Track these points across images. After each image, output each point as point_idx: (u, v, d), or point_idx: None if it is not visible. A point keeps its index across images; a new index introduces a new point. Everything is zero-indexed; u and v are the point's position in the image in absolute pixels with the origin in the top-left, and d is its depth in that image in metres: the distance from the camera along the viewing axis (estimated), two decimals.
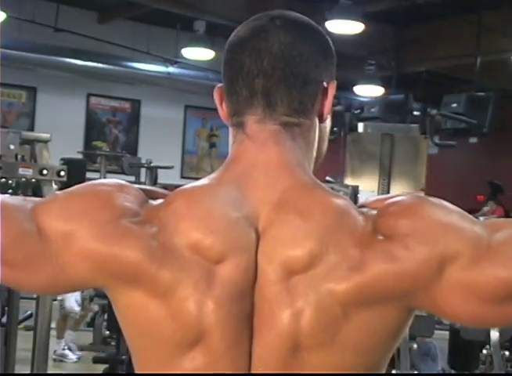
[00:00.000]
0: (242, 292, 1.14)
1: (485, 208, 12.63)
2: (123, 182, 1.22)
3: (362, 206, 1.19)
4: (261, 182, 1.18)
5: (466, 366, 4.79)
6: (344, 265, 1.10)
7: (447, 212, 1.15)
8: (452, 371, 5.14)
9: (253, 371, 1.15)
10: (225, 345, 1.13)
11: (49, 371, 4.69)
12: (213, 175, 1.22)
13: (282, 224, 1.14)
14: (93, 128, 13.36)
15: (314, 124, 1.26)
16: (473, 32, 9.82)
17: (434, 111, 6.54)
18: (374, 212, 1.15)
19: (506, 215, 12.87)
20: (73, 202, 1.20)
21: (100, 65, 11.44)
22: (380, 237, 1.12)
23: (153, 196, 1.22)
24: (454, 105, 7.70)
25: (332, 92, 1.26)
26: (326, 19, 8.59)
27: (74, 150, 9.83)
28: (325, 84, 1.25)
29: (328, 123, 1.31)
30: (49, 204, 1.21)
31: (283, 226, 1.14)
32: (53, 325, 5.54)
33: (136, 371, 1.23)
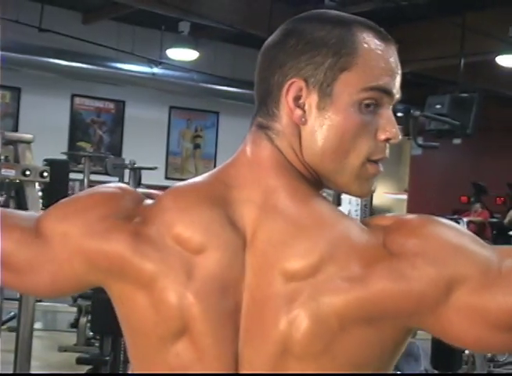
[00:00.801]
0: (225, 288, 1.14)
1: (472, 208, 12.72)
2: (123, 185, 1.28)
3: (365, 223, 1.16)
4: (248, 181, 1.19)
5: (448, 366, 4.80)
6: (344, 278, 1.10)
7: (458, 234, 1.12)
8: (435, 371, 5.15)
9: (240, 372, 1.15)
10: (208, 340, 1.14)
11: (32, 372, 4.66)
12: (206, 174, 1.24)
13: (274, 229, 1.14)
14: (77, 128, 13.31)
15: (288, 129, 1.20)
16: (457, 33, 9.85)
17: (417, 113, 6.55)
18: (380, 229, 1.13)
19: (491, 217, 12.93)
20: (69, 204, 1.28)
21: (84, 65, 11.40)
22: (388, 254, 1.10)
23: (152, 197, 1.25)
24: (438, 106, 7.71)
25: (284, 91, 1.19)
26: None
27: (59, 150, 9.80)
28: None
29: (320, 126, 1.18)
30: (50, 210, 1.29)
31: (275, 231, 1.14)
32: (36, 326, 5.51)
33: (130, 370, 1.25)
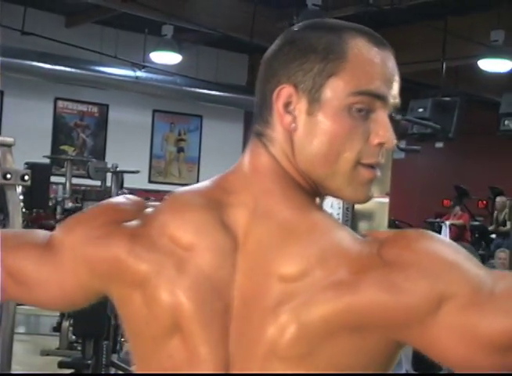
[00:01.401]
0: (215, 288, 1.16)
1: (453, 211, 12.76)
2: (130, 195, 1.33)
3: (361, 234, 1.16)
4: (244, 187, 1.20)
5: (429, 368, 4.81)
6: (333, 283, 1.09)
7: (454, 251, 1.12)
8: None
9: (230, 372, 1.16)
10: (198, 340, 1.16)
11: None
12: (207, 180, 1.26)
13: (265, 232, 1.15)
14: (60, 132, 13.29)
15: (281, 135, 1.20)
16: (439, 38, 9.90)
17: (398, 116, 6.57)
18: (376, 240, 1.13)
19: (473, 220, 12.98)
20: (76, 217, 1.32)
21: (68, 69, 11.40)
22: (381, 264, 1.09)
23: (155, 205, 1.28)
24: (420, 110, 7.76)
25: (274, 97, 1.19)
26: (294, 25, 8.61)
27: (42, 154, 9.78)
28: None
29: (308, 133, 1.17)
30: (61, 225, 1.34)
31: (266, 235, 1.15)
32: (18, 330, 5.49)
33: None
